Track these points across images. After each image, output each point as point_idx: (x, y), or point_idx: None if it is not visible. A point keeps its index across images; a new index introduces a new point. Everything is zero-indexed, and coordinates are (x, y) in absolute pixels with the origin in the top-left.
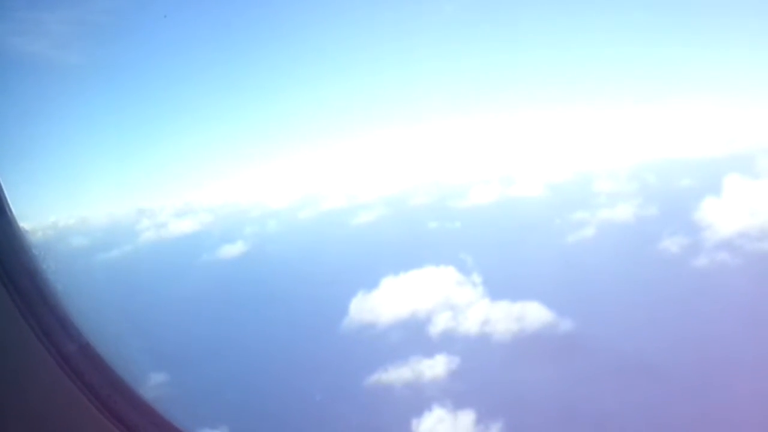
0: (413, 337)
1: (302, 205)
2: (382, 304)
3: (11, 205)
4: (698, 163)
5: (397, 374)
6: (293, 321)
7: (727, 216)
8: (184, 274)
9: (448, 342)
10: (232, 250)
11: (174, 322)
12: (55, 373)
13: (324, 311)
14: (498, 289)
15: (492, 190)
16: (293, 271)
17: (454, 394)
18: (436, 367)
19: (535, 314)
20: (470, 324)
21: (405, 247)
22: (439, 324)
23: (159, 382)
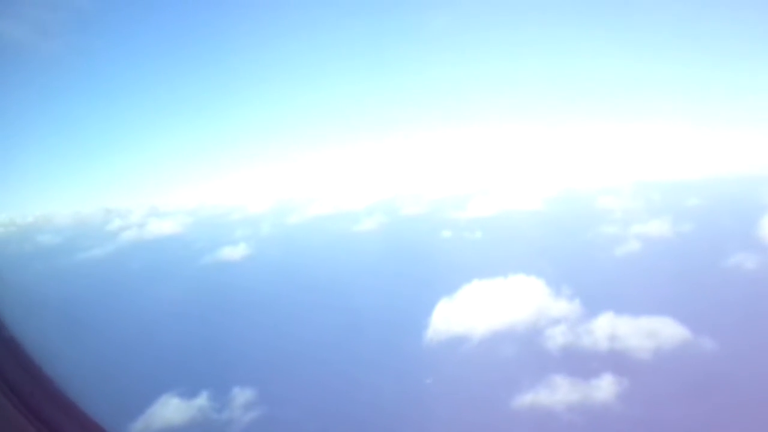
0: (531, 352)
1: (283, 210)
2: (467, 314)
3: None
4: (695, 184)
5: (551, 396)
6: (360, 330)
7: None
8: (185, 274)
9: (578, 359)
10: (234, 252)
11: (191, 325)
12: None
13: (393, 321)
14: (601, 303)
15: (491, 202)
16: (324, 278)
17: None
18: (603, 388)
19: (668, 330)
20: (595, 339)
21: (441, 256)
22: (557, 338)
23: (248, 400)
